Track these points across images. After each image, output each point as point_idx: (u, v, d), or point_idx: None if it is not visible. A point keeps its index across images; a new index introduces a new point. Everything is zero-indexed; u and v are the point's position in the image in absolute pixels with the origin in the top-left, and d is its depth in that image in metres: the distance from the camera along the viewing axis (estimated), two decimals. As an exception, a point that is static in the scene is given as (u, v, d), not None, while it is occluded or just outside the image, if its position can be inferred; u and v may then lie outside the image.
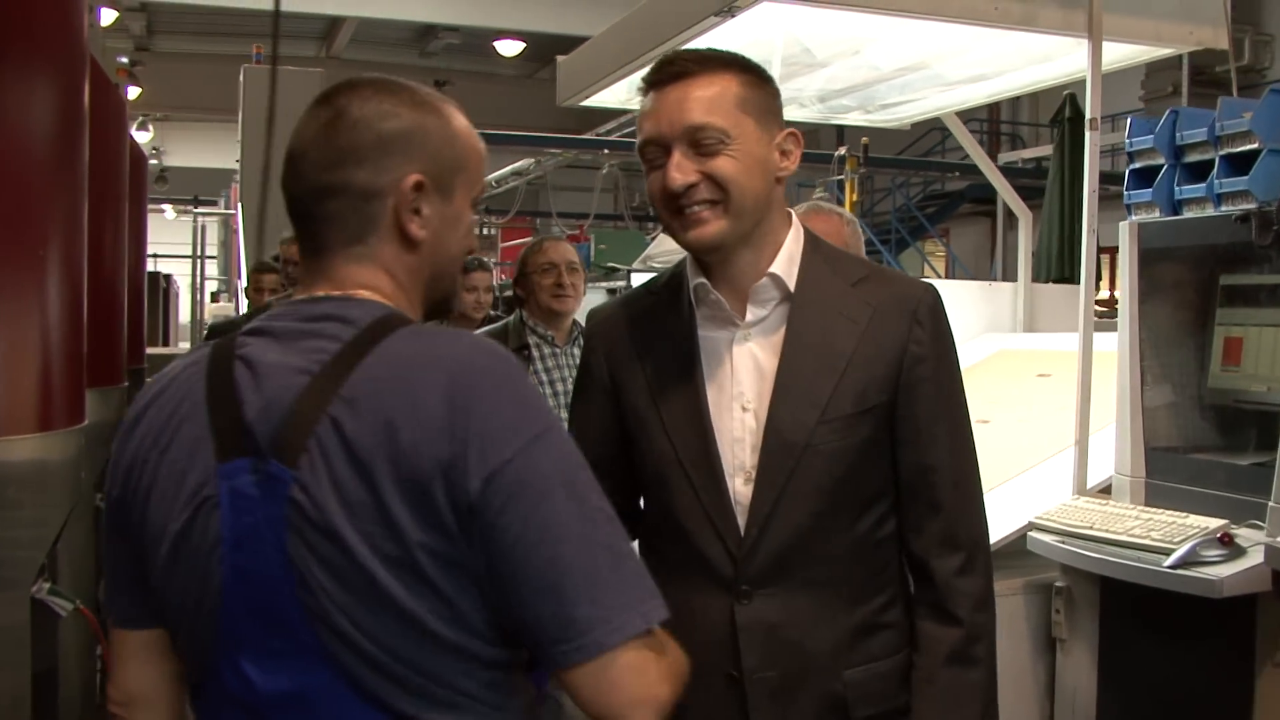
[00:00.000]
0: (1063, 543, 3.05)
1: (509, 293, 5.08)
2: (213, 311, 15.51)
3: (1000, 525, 3.05)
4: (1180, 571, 2.65)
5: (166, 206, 22.54)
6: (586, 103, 4.71)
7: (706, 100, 1.75)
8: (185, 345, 7.50)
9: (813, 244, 1.91)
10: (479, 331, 4.24)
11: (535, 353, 4.13)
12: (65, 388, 2.38)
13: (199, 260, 14.95)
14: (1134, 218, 3.22)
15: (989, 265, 17.20)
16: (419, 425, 1.24)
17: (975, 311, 4.78)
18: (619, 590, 1.28)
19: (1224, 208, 2.95)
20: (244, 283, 7.64)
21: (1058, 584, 3.20)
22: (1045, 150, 14.24)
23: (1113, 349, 3.29)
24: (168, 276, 14.31)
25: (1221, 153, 2.96)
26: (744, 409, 1.83)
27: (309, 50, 20.26)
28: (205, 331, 6.71)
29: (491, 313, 5.66)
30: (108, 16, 11.13)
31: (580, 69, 4.53)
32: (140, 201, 5.72)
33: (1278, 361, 2.96)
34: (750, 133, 1.77)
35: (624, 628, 1.26)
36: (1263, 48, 13.40)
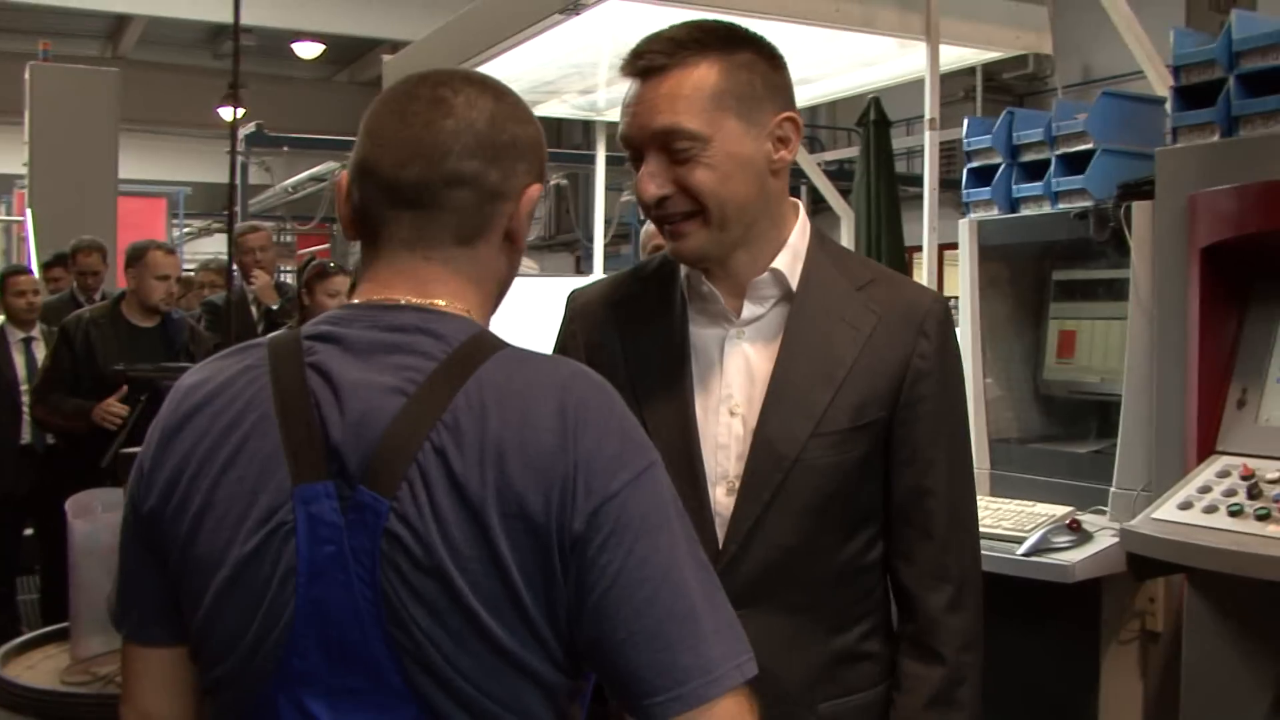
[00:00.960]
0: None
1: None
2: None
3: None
4: (1033, 559, 2.72)
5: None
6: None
7: (676, 99, 1.57)
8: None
9: (819, 240, 1.75)
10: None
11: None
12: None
13: (-22, 270, 14.17)
14: (973, 215, 3.31)
15: (792, 266, 17.53)
16: (528, 456, 1.16)
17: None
18: (719, 640, 1.20)
19: (1060, 205, 3.05)
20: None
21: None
22: (843, 153, 14.63)
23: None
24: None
25: (1057, 152, 3.07)
26: (732, 414, 1.68)
27: (92, 50, 19.37)
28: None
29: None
30: None
31: (409, 69, 4.41)
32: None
33: (1110, 352, 3.08)
34: (731, 132, 1.59)
35: (724, 680, 1.19)
36: (1045, 58, 14.03)
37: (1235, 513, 2.29)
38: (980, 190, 3.27)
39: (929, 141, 3.29)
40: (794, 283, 1.70)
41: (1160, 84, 3.19)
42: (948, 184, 4.49)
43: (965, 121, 3.29)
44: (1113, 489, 2.84)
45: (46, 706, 2.19)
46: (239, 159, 10.41)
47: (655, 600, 1.17)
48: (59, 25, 17.07)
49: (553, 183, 15.78)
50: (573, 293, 1.87)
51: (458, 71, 1.36)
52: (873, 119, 9.38)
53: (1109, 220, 2.84)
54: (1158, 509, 2.42)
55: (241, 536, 1.21)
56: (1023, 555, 2.74)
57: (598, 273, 5.28)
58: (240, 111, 18.25)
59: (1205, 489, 2.40)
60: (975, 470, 3.21)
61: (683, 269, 1.72)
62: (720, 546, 1.65)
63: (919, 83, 4.54)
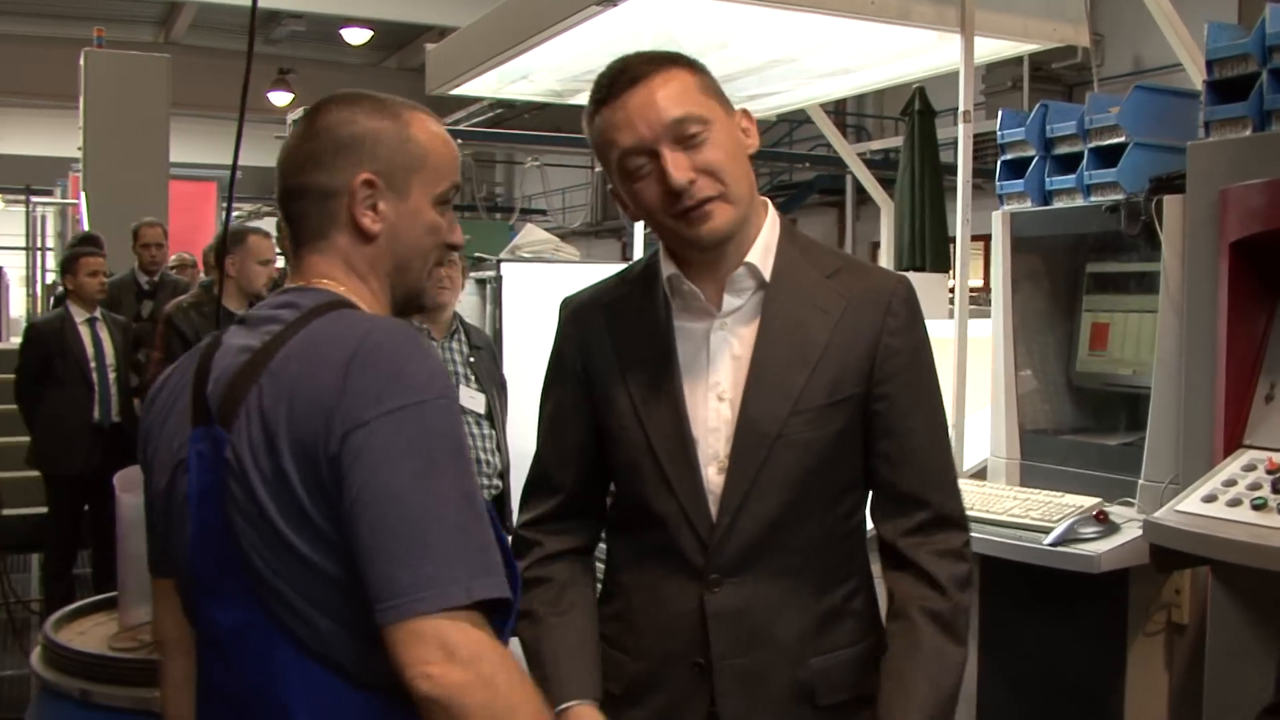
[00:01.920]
0: (943, 524, 3.13)
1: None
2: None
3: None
4: (1060, 549, 2.74)
5: (-6, 196, 21.62)
6: (456, 91, 4.67)
7: (676, 94, 1.73)
8: (17, 341, 7.21)
9: (788, 233, 1.88)
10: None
11: (410, 344, 4.07)
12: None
13: (34, 252, 14.35)
14: (1006, 207, 3.32)
15: (837, 255, 17.46)
16: (313, 392, 1.39)
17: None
18: (448, 564, 1.34)
19: (1093, 198, 3.06)
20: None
21: (937, 564, 3.28)
22: (889, 142, 14.56)
23: (981, 335, 3.39)
24: (-1, 268, 13.74)
25: (1090, 145, 3.08)
26: (720, 399, 1.81)
27: (146, 35, 19.61)
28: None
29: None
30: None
31: (451, 57, 4.49)
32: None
33: (1142, 345, 3.09)
34: (721, 117, 1.77)
35: (439, 598, 1.32)
36: (1094, 46, 13.92)
37: (1259, 506, 2.31)
38: (1014, 182, 3.28)
39: (962, 134, 3.30)
40: (767, 273, 1.83)
41: (1199, 77, 3.18)
42: (991, 175, 4.49)
43: (1000, 113, 3.31)
44: (1141, 481, 2.86)
45: (95, 669, 2.29)
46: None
47: (386, 519, 1.34)
48: (113, 11, 17.33)
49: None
50: (564, 300, 1.98)
51: (332, 95, 1.60)
52: (917, 109, 9.40)
53: (1140, 214, 2.85)
54: (1182, 501, 2.44)
55: (164, 471, 1.54)
56: (1049, 545, 2.76)
57: (638, 257, 5.32)
58: (289, 96, 18.45)
59: (1230, 482, 2.42)
60: (1005, 461, 3.27)
61: (664, 271, 1.84)
62: (714, 521, 1.79)
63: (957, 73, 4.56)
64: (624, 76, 1.74)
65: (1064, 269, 3.35)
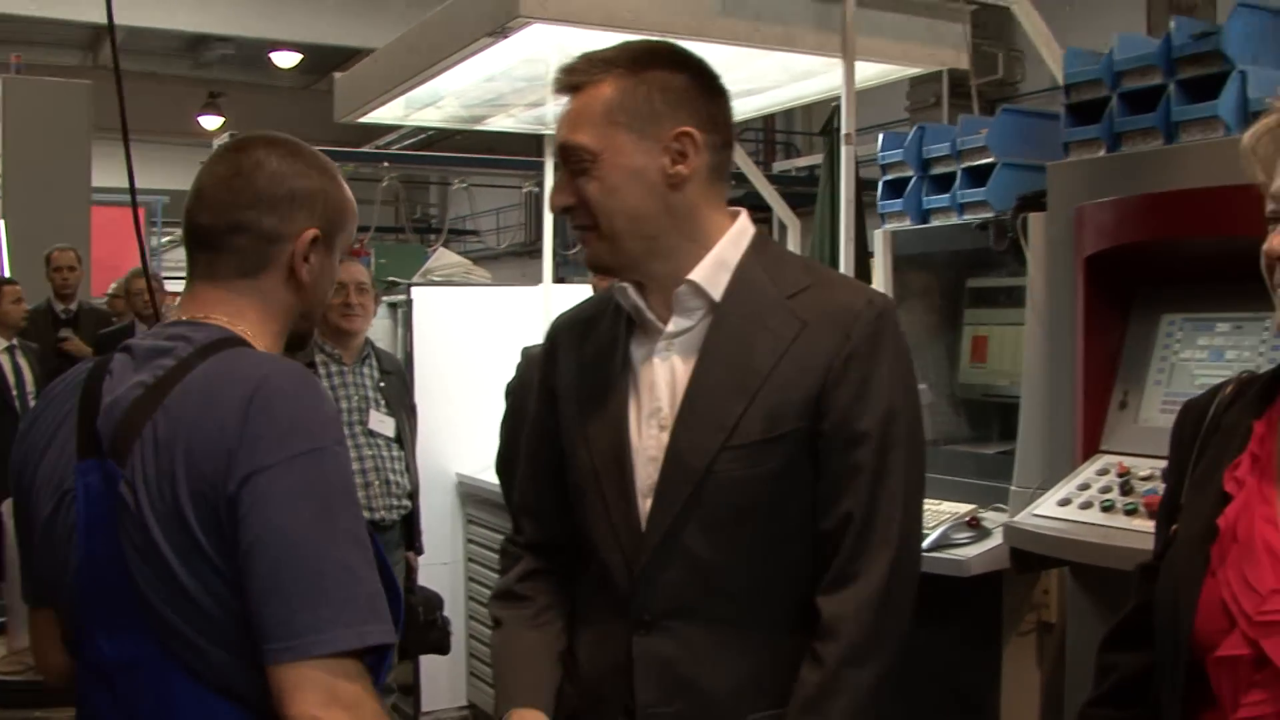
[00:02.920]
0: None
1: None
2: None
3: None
4: (933, 554, 2.85)
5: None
6: (364, 119, 4.74)
7: (576, 116, 1.67)
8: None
9: (758, 248, 1.75)
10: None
11: (322, 370, 4.13)
12: None
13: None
14: (887, 226, 3.45)
15: (768, 271, 17.63)
16: (211, 432, 1.42)
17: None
18: (341, 608, 1.39)
19: (965, 216, 3.19)
20: None
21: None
22: (818, 159, 14.76)
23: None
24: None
25: (962, 165, 3.21)
26: (661, 427, 1.69)
27: (73, 60, 19.44)
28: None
29: None
30: None
31: (357, 86, 4.56)
32: None
33: (1018, 357, 3.22)
34: (622, 146, 1.65)
35: (333, 641, 1.37)
36: (1015, 63, 14.19)
37: (1107, 508, 2.43)
38: (894, 202, 3.41)
39: (845, 155, 3.43)
40: (717, 293, 1.70)
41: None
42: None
43: (880, 136, 3.43)
44: (1012, 487, 2.98)
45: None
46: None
47: (283, 562, 1.39)
48: (38, 35, 17.15)
49: (524, 190, 15.90)
50: (556, 317, 1.94)
51: (262, 136, 1.66)
52: (835, 127, 9.56)
53: (1008, 230, 2.98)
54: (1039, 505, 2.56)
55: (46, 502, 1.55)
56: (923, 551, 2.86)
57: (546, 281, 5.40)
58: (220, 120, 18.38)
59: (1084, 486, 2.54)
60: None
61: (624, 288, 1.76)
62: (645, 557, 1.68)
63: (887, 88, 4.67)
64: (558, 83, 1.70)
65: (945, 284, 3.48)
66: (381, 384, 4.28)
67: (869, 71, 3.78)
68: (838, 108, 9.04)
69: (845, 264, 3.43)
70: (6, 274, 8.35)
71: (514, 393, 4.04)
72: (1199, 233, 2.48)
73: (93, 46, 19.55)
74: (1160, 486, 2.38)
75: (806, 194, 11.00)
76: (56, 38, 18.32)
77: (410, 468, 4.30)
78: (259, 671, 1.40)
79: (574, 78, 1.68)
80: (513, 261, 19.51)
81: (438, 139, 18.15)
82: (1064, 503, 2.52)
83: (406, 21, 4.08)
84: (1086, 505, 2.47)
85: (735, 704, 1.67)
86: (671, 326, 1.71)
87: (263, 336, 1.60)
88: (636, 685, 1.68)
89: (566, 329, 1.87)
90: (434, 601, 4.49)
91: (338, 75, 4.76)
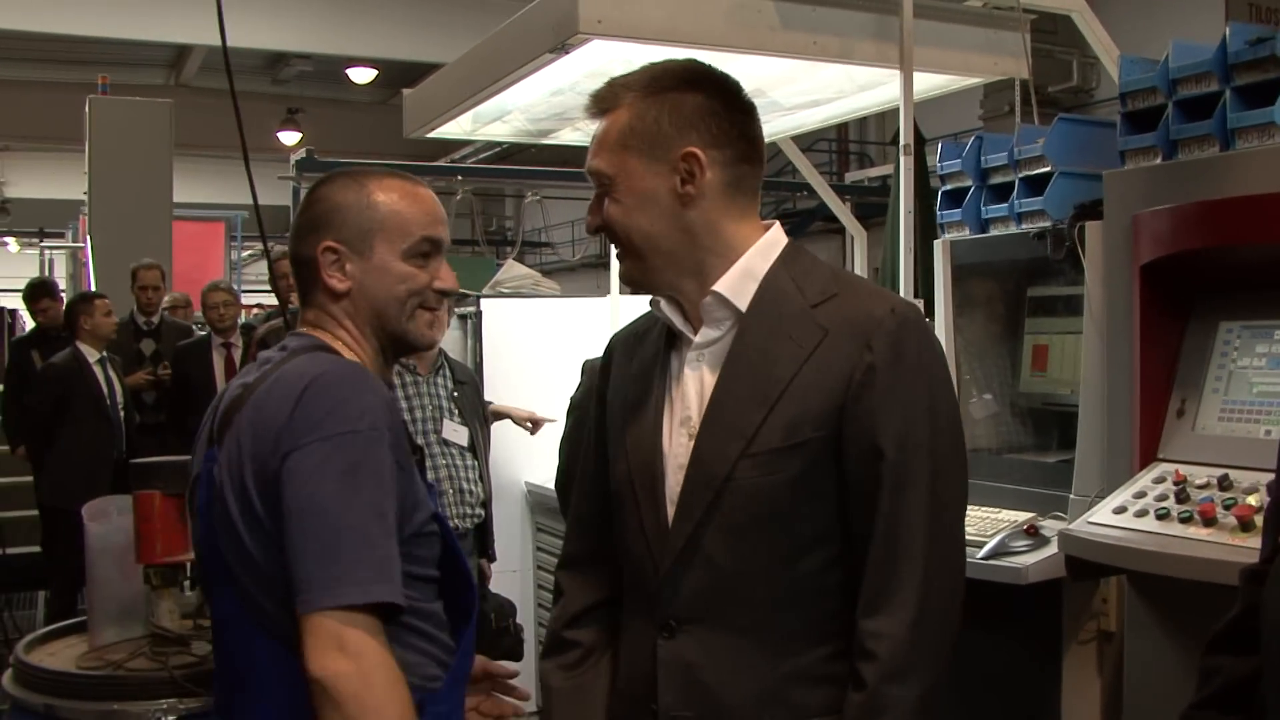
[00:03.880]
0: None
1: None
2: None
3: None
4: (991, 562, 2.86)
5: (9, 239, 21.89)
6: (431, 135, 4.83)
7: (595, 142, 1.75)
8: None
9: (789, 258, 1.77)
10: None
11: (397, 380, 4.21)
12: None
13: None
14: (946, 236, 3.46)
15: (841, 281, 17.56)
16: (269, 418, 1.66)
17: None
18: (350, 566, 1.58)
19: (1024, 225, 3.19)
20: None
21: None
22: (890, 169, 14.69)
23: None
24: (13, 311, 13.96)
25: (1020, 175, 3.22)
26: (689, 435, 1.73)
27: (158, 79, 19.90)
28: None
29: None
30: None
31: (425, 102, 4.64)
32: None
33: (1078, 365, 3.22)
34: (634, 170, 1.72)
35: (341, 595, 1.56)
36: (1089, 69, 14.04)
37: (1162, 516, 2.43)
38: (953, 212, 3.42)
39: (903, 165, 3.44)
40: (743, 304, 1.72)
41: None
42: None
43: (939, 146, 3.44)
44: (1071, 496, 2.98)
45: (59, 686, 2.45)
46: (292, 184, 10.71)
47: (307, 527, 1.60)
48: (123, 55, 17.59)
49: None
50: (615, 332, 2.01)
51: (327, 175, 1.92)
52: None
53: (1065, 240, 2.98)
54: (1095, 513, 2.57)
55: (189, 482, 1.82)
56: (981, 559, 2.88)
57: (614, 292, 5.45)
58: (298, 136, 18.68)
59: (1140, 494, 2.54)
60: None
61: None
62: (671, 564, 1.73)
63: (960, 96, 4.66)
64: (588, 107, 1.78)
65: (1005, 293, 3.48)
66: (455, 394, 4.36)
67: (930, 82, 3.79)
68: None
69: (905, 275, 3.44)
70: (94, 288, 8.59)
71: (577, 406, 4.09)
72: (1256, 239, 2.48)
73: (175, 65, 20.00)
74: (1217, 495, 2.40)
75: (880, 204, 11.01)
76: (140, 58, 18.78)
77: (484, 477, 4.37)
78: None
79: (597, 104, 1.76)
80: (587, 274, 19.61)
81: (512, 152, 18.33)
82: (1120, 511, 2.52)
83: (479, 36, 4.16)
84: (1142, 513, 2.47)
85: (756, 712, 1.68)
86: (700, 337, 1.76)
87: (346, 342, 1.84)
88: (660, 688, 1.72)
89: (621, 343, 1.94)
90: (506, 609, 4.55)
91: (406, 91, 4.85)
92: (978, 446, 3.43)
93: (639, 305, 1.99)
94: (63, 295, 8.95)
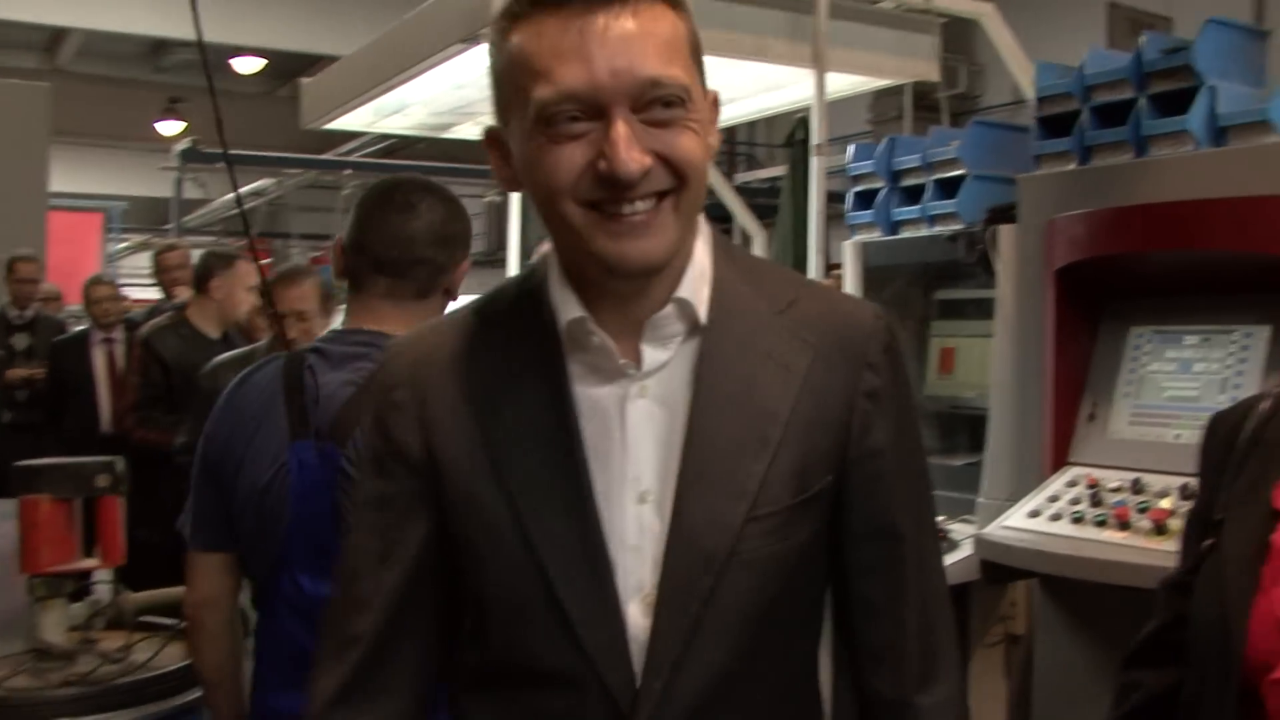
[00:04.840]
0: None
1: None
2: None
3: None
4: (903, 565, 2.85)
5: None
6: (330, 126, 4.71)
7: (661, 42, 1.17)
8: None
9: (725, 251, 1.33)
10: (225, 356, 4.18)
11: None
12: None
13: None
14: (857, 237, 3.46)
15: (730, 283, 17.68)
16: None
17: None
18: None
19: (935, 228, 3.20)
20: None
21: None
22: (779, 170, 14.82)
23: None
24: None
25: (933, 177, 3.22)
26: (642, 500, 1.24)
27: (31, 62, 19.24)
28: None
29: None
30: None
31: (325, 92, 4.53)
32: None
33: (985, 369, 3.23)
34: (701, 97, 1.23)
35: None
36: (976, 76, 14.30)
37: (1077, 520, 2.44)
38: (863, 213, 3.42)
39: (815, 166, 3.43)
40: (702, 313, 1.27)
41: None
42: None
43: (849, 147, 3.44)
44: (980, 499, 2.99)
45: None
46: (175, 174, 10.44)
47: None
48: (-4, 37, 16.99)
49: (486, 199, 15.88)
50: (390, 348, 1.39)
51: (418, 181, 2.09)
52: (800, 138, 9.60)
53: (977, 243, 2.99)
54: (1009, 517, 2.57)
55: (264, 472, 1.96)
56: (893, 562, 2.86)
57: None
58: (180, 125, 18.24)
59: (1054, 498, 2.55)
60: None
61: (560, 308, 1.27)
62: (639, 684, 1.22)
63: (848, 101, 4.68)
64: None
65: (914, 296, 3.49)
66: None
67: (841, 83, 3.79)
68: (801, 119, 9.07)
69: (814, 275, 3.43)
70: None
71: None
72: (1168, 245, 2.50)
73: (50, 48, 19.37)
74: (1130, 499, 2.41)
75: (767, 206, 11.07)
76: (11, 40, 18.15)
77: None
78: None
79: None
80: (473, 271, 19.46)
81: (400, 147, 18.10)
82: (1034, 514, 2.53)
83: (370, 28, 4.06)
84: (1056, 517, 2.48)
85: None
86: (647, 363, 1.25)
87: None
88: None
89: (437, 365, 1.30)
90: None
91: (304, 81, 4.73)
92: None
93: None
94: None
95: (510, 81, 1.21)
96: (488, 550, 1.26)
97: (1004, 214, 2.96)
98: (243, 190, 15.67)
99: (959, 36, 14.27)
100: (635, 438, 1.24)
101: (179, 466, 3.40)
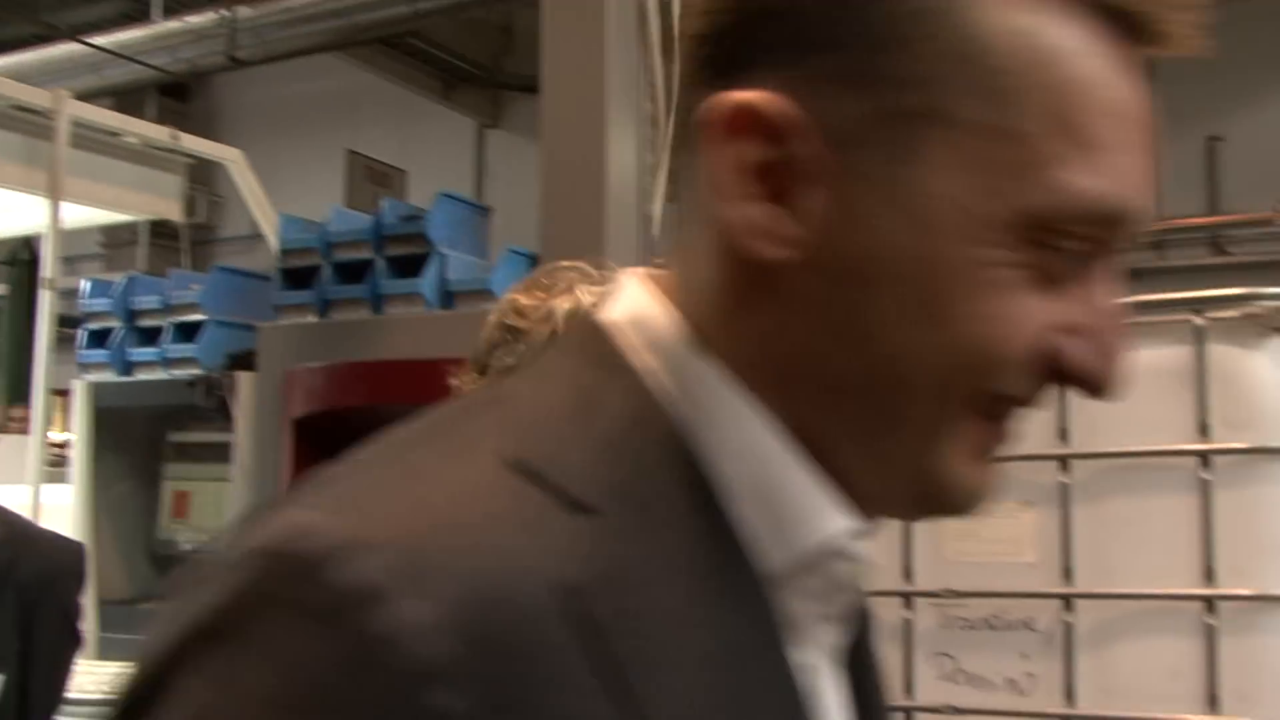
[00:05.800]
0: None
1: None
2: None
3: None
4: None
5: None
6: None
7: None
8: None
9: None
10: None
11: None
12: None
13: None
14: (88, 377, 3.30)
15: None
16: None
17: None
18: None
19: (174, 371, 3.15)
20: None
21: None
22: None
23: (65, 501, 3.31)
24: None
25: (173, 320, 3.18)
26: None
27: None
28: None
29: None
30: None
31: None
32: None
33: (222, 512, 3.21)
34: None
35: None
36: (216, 208, 14.33)
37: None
38: (97, 352, 3.28)
39: (45, 301, 3.24)
40: None
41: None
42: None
43: (84, 283, 3.30)
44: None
45: None
46: None
47: None
48: None
49: None
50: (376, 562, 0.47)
51: None
52: (25, 259, 9.02)
53: (216, 388, 2.98)
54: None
55: None
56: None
57: None
58: None
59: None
60: (85, 634, 3.19)
61: (807, 508, 0.58)
62: None
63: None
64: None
65: (147, 438, 3.40)
66: None
67: (78, 214, 3.63)
68: (26, 239, 8.56)
69: (39, 411, 3.23)
70: None
71: None
72: (401, 400, 2.65)
73: None
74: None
75: (-14, 325, 10.22)
76: None
77: None
78: None
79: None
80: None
81: None
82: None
83: None
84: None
85: None
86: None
87: None
88: None
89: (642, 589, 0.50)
90: None
91: None
92: (113, 598, 3.27)
93: None
94: None
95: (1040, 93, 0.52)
96: None
97: (244, 360, 2.99)
98: None
99: (201, 168, 14.25)
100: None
101: None
